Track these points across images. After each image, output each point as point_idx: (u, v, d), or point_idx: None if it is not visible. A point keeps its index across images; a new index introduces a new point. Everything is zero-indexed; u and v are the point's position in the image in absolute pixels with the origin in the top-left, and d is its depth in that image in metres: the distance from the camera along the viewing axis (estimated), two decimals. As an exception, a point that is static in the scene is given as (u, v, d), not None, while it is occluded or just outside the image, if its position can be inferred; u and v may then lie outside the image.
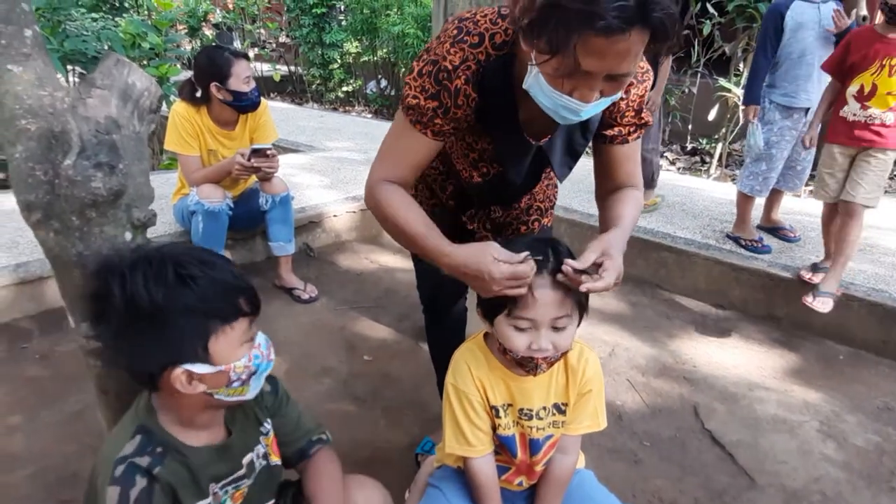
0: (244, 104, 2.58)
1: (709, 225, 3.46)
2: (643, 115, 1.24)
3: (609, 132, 1.25)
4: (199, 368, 0.91)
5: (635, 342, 2.61)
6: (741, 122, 5.34)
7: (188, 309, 0.89)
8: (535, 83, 0.99)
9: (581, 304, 1.11)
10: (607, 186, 1.32)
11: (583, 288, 1.03)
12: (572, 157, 1.26)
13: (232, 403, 1.01)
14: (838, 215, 2.67)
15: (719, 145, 5.62)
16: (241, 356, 0.95)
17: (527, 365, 1.11)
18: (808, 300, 2.50)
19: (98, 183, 0.95)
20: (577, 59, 0.87)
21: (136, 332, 0.89)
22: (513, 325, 1.08)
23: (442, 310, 1.75)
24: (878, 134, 2.53)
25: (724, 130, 5.56)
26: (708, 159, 5.87)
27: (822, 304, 2.47)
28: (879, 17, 2.43)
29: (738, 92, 5.08)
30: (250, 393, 1.01)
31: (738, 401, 2.21)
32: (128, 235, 1.03)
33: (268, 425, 1.13)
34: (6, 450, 1.82)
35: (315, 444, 1.20)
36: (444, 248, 1.10)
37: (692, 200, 3.96)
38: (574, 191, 3.96)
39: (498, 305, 1.09)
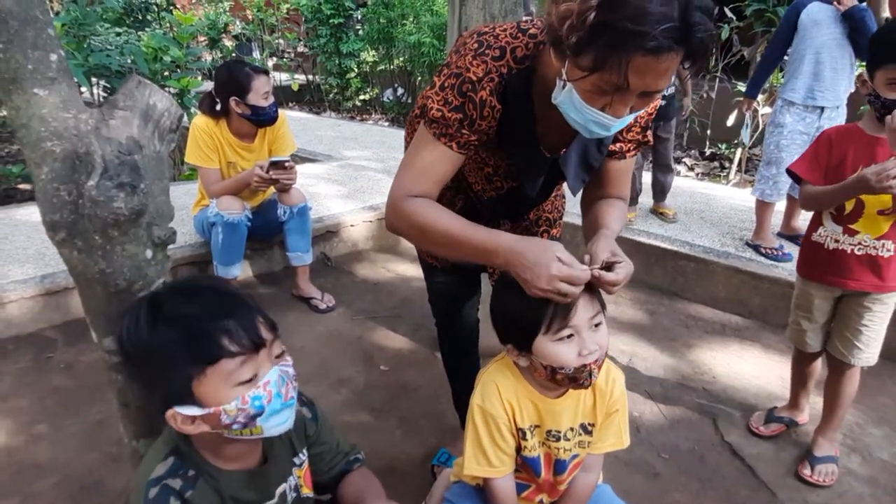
0: (262, 119, 2.62)
1: (728, 232, 3.42)
2: (647, 133, 1.27)
3: (612, 147, 1.27)
4: (189, 410, 0.88)
5: (653, 352, 2.59)
6: (760, 126, 5.28)
7: (162, 352, 0.86)
8: (568, 98, 1.00)
9: (601, 301, 1.12)
10: (596, 195, 1.34)
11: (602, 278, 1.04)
12: (587, 171, 1.27)
13: (252, 440, 0.97)
14: (816, 363, 1.99)
15: (739, 150, 5.55)
16: (233, 398, 0.88)
17: (581, 377, 1.07)
18: (807, 473, 1.84)
19: (120, 203, 0.98)
20: (627, 76, 0.89)
21: (133, 375, 0.92)
22: (556, 340, 1.06)
23: (455, 323, 1.75)
24: (874, 273, 1.69)
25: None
26: (727, 165, 5.81)
27: (826, 476, 1.83)
28: (869, 112, 1.68)
29: (758, 97, 5.02)
30: (269, 431, 0.94)
31: (758, 412, 2.17)
32: (148, 253, 1.06)
33: (303, 456, 1.11)
34: (32, 458, 1.86)
35: (353, 463, 1.21)
36: (499, 238, 1.06)
37: (711, 208, 3.92)
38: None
39: (533, 327, 1.06)
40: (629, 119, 1.01)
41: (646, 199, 3.77)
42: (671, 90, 3.41)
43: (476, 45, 1.10)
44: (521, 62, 1.10)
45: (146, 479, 0.92)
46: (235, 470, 0.99)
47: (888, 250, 1.67)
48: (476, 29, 1.15)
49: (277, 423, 0.94)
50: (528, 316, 1.06)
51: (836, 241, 1.73)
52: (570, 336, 1.06)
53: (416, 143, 1.18)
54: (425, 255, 1.64)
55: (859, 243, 1.69)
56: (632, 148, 1.29)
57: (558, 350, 1.06)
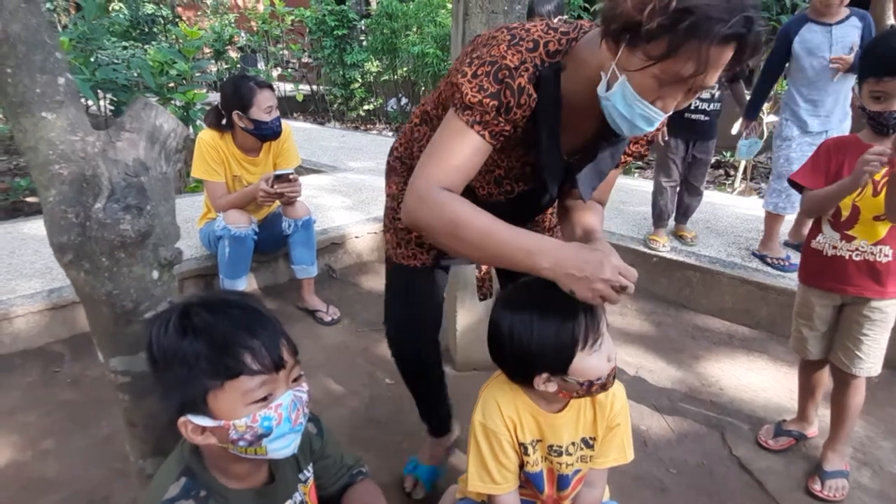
0: (265, 133, 2.63)
1: (734, 242, 3.40)
2: (649, 147, 1.32)
3: None
4: (200, 420, 0.90)
5: (660, 364, 2.57)
6: (764, 135, 5.28)
7: (185, 360, 0.88)
8: (620, 91, 1.00)
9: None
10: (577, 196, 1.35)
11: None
12: (599, 177, 1.26)
13: (257, 459, 0.98)
14: (822, 372, 1.98)
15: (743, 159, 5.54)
16: (244, 415, 0.90)
17: (609, 380, 1.11)
18: (817, 488, 1.82)
19: (126, 225, 0.99)
20: (708, 61, 0.90)
21: (154, 378, 0.93)
22: (592, 353, 1.08)
23: (426, 323, 1.67)
24: (872, 278, 1.70)
25: (748, 143, 5.49)
26: (732, 173, 5.80)
27: (836, 491, 1.80)
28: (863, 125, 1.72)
29: (763, 105, 5.02)
30: (273, 454, 0.95)
31: (767, 425, 2.15)
32: (155, 274, 1.06)
33: (308, 472, 1.12)
34: (40, 474, 1.86)
35: (357, 476, 1.21)
36: (543, 240, 1.03)
37: (717, 217, 3.91)
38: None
39: (572, 346, 1.07)
40: (667, 115, 1.03)
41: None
42: (715, 106, 3.19)
43: (509, 37, 1.08)
44: (552, 56, 1.09)
45: (159, 498, 0.93)
46: (244, 489, 1.00)
47: (886, 255, 1.68)
48: (503, 25, 1.14)
49: (282, 447, 0.95)
50: (563, 337, 1.06)
51: (835, 247, 1.74)
52: (600, 345, 1.09)
53: (444, 131, 1.12)
54: (402, 256, 1.56)
55: (857, 249, 1.71)
56: (630, 160, 1.33)
57: (595, 362, 1.09)
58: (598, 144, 1.21)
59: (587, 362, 1.08)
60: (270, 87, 2.64)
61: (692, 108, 3.16)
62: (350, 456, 1.23)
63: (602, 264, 0.98)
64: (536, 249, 1.01)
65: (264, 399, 0.91)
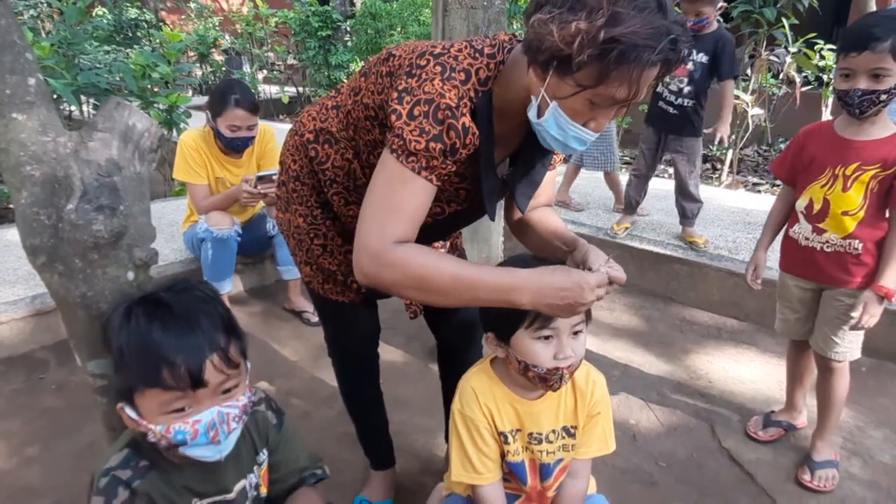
0: (224, 144, 2.61)
1: (721, 235, 3.42)
2: None
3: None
4: (129, 412, 0.93)
5: (649, 358, 2.58)
6: (750, 127, 5.31)
7: (118, 354, 0.93)
8: (552, 116, 0.99)
9: (588, 310, 1.13)
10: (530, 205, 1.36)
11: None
12: (533, 187, 1.26)
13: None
14: (809, 357, 1.97)
15: (730, 152, 5.57)
16: (160, 423, 0.91)
17: (551, 378, 1.10)
18: (807, 479, 1.83)
19: (99, 226, 0.97)
20: (639, 85, 0.91)
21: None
22: (536, 338, 1.09)
23: (361, 359, 1.67)
24: (843, 269, 1.72)
25: (734, 136, 5.52)
26: (719, 166, 5.83)
27: (826, 481, 1.82)
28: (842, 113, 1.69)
29: (747, 98, 5.05)
30: (196, 458, 0.95)
31: (756, 416, 2.16)
32: (130, 275, 1.04)
33: (263, 455, 1.12)
34: (23, 481, 1.84)
35: (309, 478, 1.19)
36: (516, 275, 1.00)
37: (703, 210, 3.90)
38: (582, 204, 3.95)
39: (517, 320, 1.09)
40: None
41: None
42: (685, 101, 3.02)
43: (439, 69, 1.02)
44: (484, 84, 1.06)
45: (100, 468, 0.97)
46: (191, 464, 1.00)
47: (855, 248, 1.69)
48: (426, 48, 1.07)
49: (207, 454, 0.96)
50: (516, 308, 1.07)
51: (807, 238, 1.77)
52: (548, 337, 1.09)
53: (386, 180, 1.04)
54: (330, 291, 1.49)
55: (827, 241, 1.73)
56: (560, 160, 1.34)
57: (535, 348, 1.10)
58: (528, 154, 1.19)
59: (527, 343, 1.10)
60: (250, 109, 2.55)
61: (663, 96, 3.09)
62: (307, 457, 1.20)
63: (582, 290, 0.97)
64: (511, 287, 0.99)
65: (179, 410, 0.92)
